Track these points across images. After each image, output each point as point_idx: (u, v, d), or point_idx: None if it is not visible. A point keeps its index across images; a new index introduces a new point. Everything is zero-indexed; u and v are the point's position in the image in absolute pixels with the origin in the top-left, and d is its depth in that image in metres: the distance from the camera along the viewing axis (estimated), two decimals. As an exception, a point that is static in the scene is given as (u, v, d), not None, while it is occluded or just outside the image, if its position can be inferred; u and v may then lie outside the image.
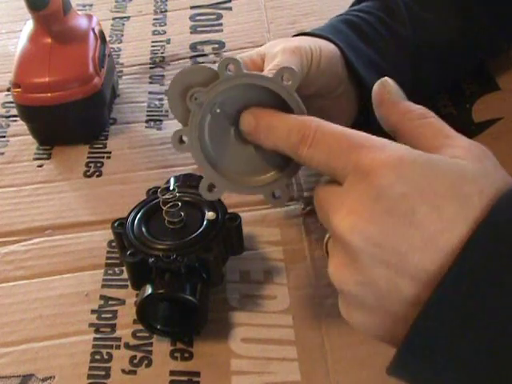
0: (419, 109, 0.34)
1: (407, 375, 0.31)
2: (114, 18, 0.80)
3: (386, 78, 0.36)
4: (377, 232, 0.29)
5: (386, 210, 0.29)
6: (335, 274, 0.32)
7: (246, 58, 0.44)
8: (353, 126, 0.38)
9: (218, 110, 0.37)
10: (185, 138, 0.37)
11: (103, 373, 0.43)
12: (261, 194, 0.39)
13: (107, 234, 0.51)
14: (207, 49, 0.73)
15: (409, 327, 0.29)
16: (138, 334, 0.45)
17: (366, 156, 0.30)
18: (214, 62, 0.71)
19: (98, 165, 0.59)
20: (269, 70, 0.40)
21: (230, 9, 0.80)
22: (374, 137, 0.32)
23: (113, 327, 0.46)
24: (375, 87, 0.36)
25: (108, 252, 0.51)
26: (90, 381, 0.43)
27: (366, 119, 0.49)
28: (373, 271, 0.30)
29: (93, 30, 0.63)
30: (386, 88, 0.35)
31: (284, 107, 0.36)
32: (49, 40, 0.59)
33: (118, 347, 0.44)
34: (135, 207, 0.46)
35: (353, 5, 0.58)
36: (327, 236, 0.35)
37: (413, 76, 0.52)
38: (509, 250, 0.28)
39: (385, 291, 0.30)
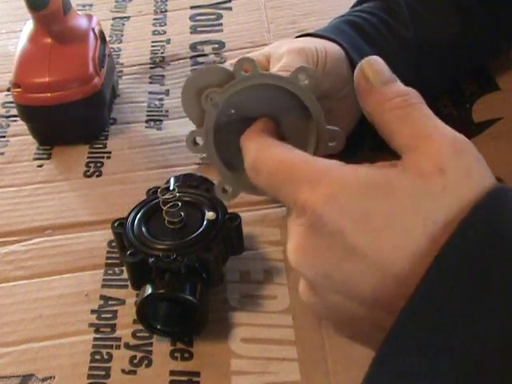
0: (400, 95, 0.30)
1: None
2: (114, 18, 0.80)
3: (369, 57, 0.32)
4: (323, 266, 0.29)
5: (327, 246, 0.29)
6: (303, 296, 0.32)
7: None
8: (358, 128, 0.38)
9: (233, 111, 0.36)
10: (199, 140, 0.37)
11: (103, 373, 0.43)
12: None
13: (107, 234, 0.51)
14: (207, 49, 0.73)
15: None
16: (138, 334, 0.45)
17: (302, 193, 0.30)
18: (214, 62, 0.71)
19: (98, 165, 0.59)
20: (276, 71, 0.40)
21: (230, 9, 0.80)
22: (313, 163, 0.31)
23: (113, 327, 0.46)
24: (354, 73, 0.32)
25: (108, 252, 0.51)
26: (90, 381, 0.43)
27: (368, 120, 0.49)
28: (329, 298, 0.30)
29: (93, 30, 0.63)
30: (363, 73, 0.32)
31: (301, 108, 0.36)
32: (49, 40, 0.59)
33: (117, 347, 0.44)
34: (135, 207, 0.46)
35: (354, 5, 0.58)
36: None
37: (415, 77, 0.52)
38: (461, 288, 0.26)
39: (346, 315, 0.30)
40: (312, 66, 0.43)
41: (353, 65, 0.47)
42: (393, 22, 0.52)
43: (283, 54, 0.43)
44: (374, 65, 0.32)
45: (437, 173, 0.28)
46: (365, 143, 0.52)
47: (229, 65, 0.36)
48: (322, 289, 0.30)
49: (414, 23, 0.53)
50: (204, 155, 0.38)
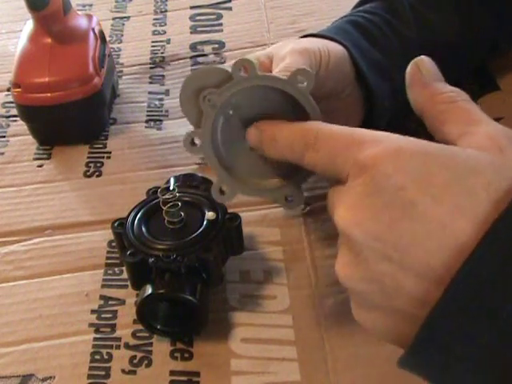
0: (450, 91, 0.33)
1: (419, 368, 0.30)
2: (114, 18, 0.80)
3: (422, 57, 0.34)
4: (376, 226, 0.28)
5: (385, 203, 0.28)
6: (341, 272, 0.31)
7: (253, 59, 0.44)
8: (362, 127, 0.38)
9: (231, 112, 0.36)
10: (197, 141, 0.37)
11: (103, 373, 0.43)
12: (273, 197, 0.39)
13: (107, 234, 0.51)
14: (207, 49, 0.73)
15: (418, 327, 0.28)
16: (138, 334, 0.45)
17: (363, 151, 0.30)
18: (214, 62, 0.71)
19: (98, 165, 0.59)
20: (279, 72, 0.40)
21: (230, 9, 0.80)
22: (372, 131, 0.32)
23: (113, 327, 0.46)
24: (408, 68, 0.35)
25: (108, 252, 0.51)
26: (90, 381, 0.43)
27: (370, 120, 0.50)
28: (376, 267, 0.29)
29: (93, 29, 0.63)
30: (418, 68, 0.34)
31: (299, 109, 0.36)
32: (49, 40, 0.59)
33: (117, 347, 0.44)
34: (135, 207, 0.46)
35: (356, 6, 0.57)
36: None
37: None
38: None
39: (390, 288, 0.29)
40: (315, 66, 0.43)
41: (355, 64, 0.47)
42: (396, 22, 0.52)
43: (286, 55, 0.43)
44: (428, 63, 0.34)
45: (497, 149, 0.29)
46: None
47: (228, 66, 0.36)
48: (370, 255, 0.29)
49: (417, 23, 0.53)
50: (202, 156, 0.38)
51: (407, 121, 0.58)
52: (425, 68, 0.34)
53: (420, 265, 0.28)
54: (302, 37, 0.50)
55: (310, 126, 0.35)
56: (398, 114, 0.50)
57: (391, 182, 0.28)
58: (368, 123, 0.50)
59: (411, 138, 0.30)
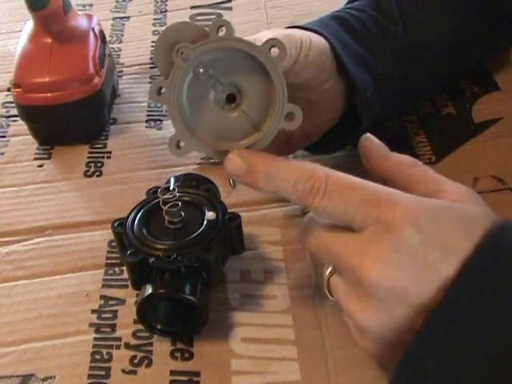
0: (406, 158, 0.39)
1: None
2: (114, 18, 0.80)
3: (367, 134, 0.41)
4: (402, 277, 0.33)
5: (408, 257, 0.33)
6: (360, 317, 0.35)
7: None
8: (340, 124, 0.41)
9: (202, 70, 0.37)
10: (163, 91, 0.37)
11: (103, 373, 0.43)
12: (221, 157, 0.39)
13: (107, 234, 0.51)
14: (207, 49, 0.73)
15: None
16: (138, 334, 0.45)
17: (387, 211, 0.34)
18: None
19: (98, 165, 0.59)
20: (253, 40, 0.40)
21: (230, 9, 0.80)
22: (384, 188, 0.36)
23: (113, 327, 0.46)
24: (362, 142, 0.40)
25: (108, 252, 0.51)
26: (90, 381, 0.43)
27: (353, 115, 0.49)
28: (396, 312, 0.34)
29: (93, 29, 0.63)
30: (371, 142, 0.40)
31: (267, 81, 0.36)
32: (49, 40, 0.59)
33: (118, 347, 0.44)
34: (135, 207, 0.46)
35: (346, 3, 0.58)
36: (327, 274, 0.38)
37: (402, 75, 0.52)
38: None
39: (404, 328, 0.34)
40: (295, 52, 0.43)
41: (337, 56, 0.47)
42: (382, 19, 0.52)
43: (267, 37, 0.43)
44: (375, 138, 0.41)
45: (469, 202, 0.36)
46: (348, 139, 0.51)
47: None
48: (394, 301, 0.34)
49: (404, 22, 0.53)
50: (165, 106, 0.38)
51: (391, 121, 0.58)
52: (375, 143, 0.40)
53: (426, 301, 0.33)
54: (286, 27, 0.50)
55: (319, 168, 0.36)
56: (381, 112, 0.50)
57: (414, 239, 0.33)
58: (349, 118, 0.50)
59: (421, 198, 0.35)
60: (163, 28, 0.78)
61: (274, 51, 0.36)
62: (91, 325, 0.46)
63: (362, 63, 0.49)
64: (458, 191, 0.37)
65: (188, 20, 0.58)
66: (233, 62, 0.37)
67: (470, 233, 0.34)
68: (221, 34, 0.36)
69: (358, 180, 0.36)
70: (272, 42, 0.36)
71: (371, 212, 0.34)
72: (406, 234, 0.33)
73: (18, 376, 0.43)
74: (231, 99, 0.38)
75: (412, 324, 0.34)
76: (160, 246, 0.43)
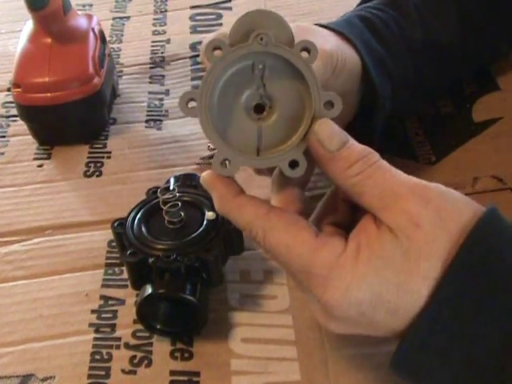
0: (358, 160, 0.33)
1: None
2: (113, 18, 0.80)
3: (320, 121, 0.33)
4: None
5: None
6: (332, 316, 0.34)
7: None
8: (351, 127, 0.38)
9: (260, 66, 0.34)
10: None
11: (103, 373, 0.43)
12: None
13: (107, 234, 0.51)
14: (207, 49, 0.73)
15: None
16: (138, 334, 0.45)
17: (317, 288, 0.33)
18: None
19: (98, 165, 0.59)
20: None
21: (230, 9, 0.80)
22: (321, 248, 0.33)
23: (113, 327, 0.46)
24: (311, 139, 0.34)
25: (108, 252, 0.51)
26: (90, 381, 0.43)
27: (367, 118, 0.49)
28: (374, 317, 0.33)
29: (93, 30, 0.63)
30: (320, 139, 0.33)
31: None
32: (49, 40, 0.59)
33: (118, 347, 0.44)
34: (135, 207, 0.46)
35: (361, 3, 0.57)
36: None
37: (414, 75, 0.52)
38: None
39: (380, 328, 0.33)
40: (329, 70, 0.43)
41: (364, 68, 0.47)
42: (402, 20, 0.52)
43: None
44: (326, 129, 0.33)
45: (414, 226, 0.31)
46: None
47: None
48: (373, 311, 0.32)
49: (421, 24, 0.53)
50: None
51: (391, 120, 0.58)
52: (325, 135, 0.33)
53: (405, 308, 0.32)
54: (317, 25, 0.50)
55: (255, 222, 0.34)
56: (390, 114, 0.50)
57: (350, 312, 0.33)
58: (363, 120, 0.49)
59: (351, 257, 0.33)
60: (163, 28, 0.78)
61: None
62: (91, 325, 0.46)
63: (382, 67, 0.49)
64: (406, 211, 0.32)
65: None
66: (277, 67, 0.35)
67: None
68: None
69: (295, 233, 0.33)
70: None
71: (304, 283, 0.33)
72: (340, 313, 0.33)
73: (17, 376, 0.43)
74: (259, 109, 0.35)
75: (393, 327, 0.33)
76: (160, 246, 0.43)
